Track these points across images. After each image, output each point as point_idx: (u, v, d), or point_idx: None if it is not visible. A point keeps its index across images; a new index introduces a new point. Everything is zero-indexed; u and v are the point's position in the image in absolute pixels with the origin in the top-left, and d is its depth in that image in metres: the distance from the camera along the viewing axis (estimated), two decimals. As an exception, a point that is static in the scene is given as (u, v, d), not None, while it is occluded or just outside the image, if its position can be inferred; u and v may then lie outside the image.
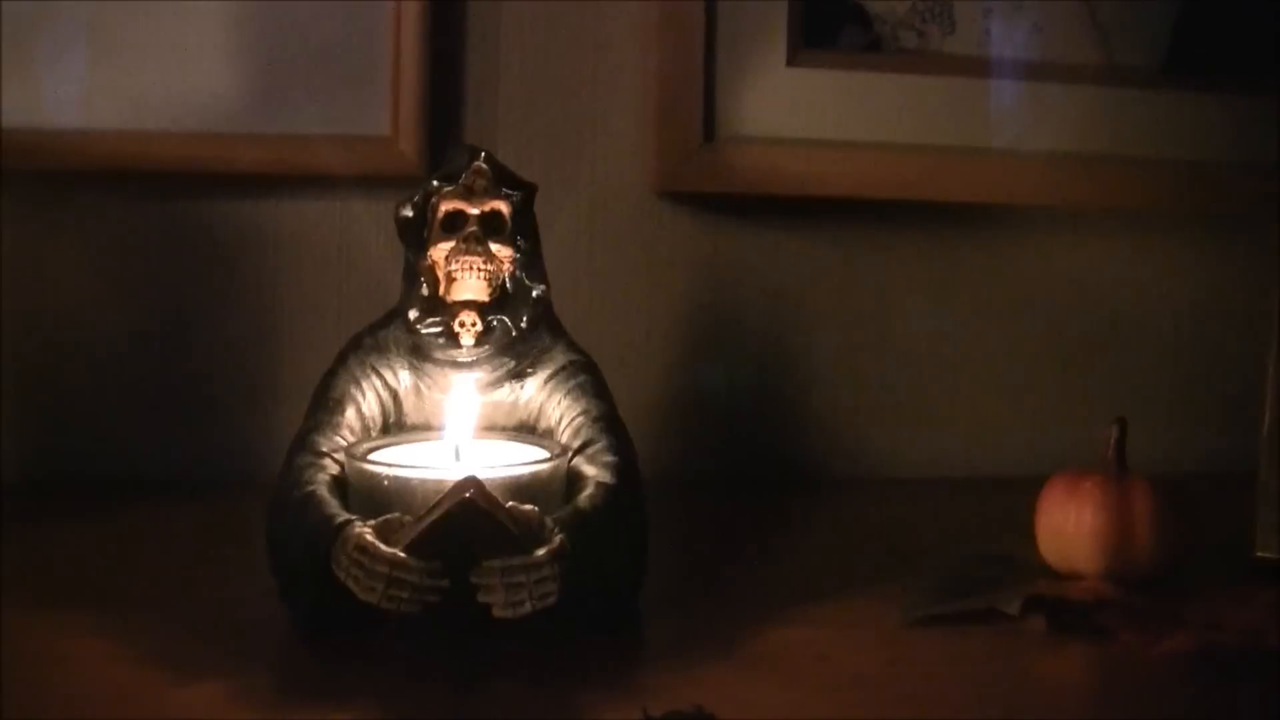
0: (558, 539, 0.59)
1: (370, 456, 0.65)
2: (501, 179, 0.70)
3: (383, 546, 0.58)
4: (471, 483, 0.58)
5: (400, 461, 0.64)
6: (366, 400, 0.69)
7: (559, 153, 1.01)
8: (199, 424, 0.99)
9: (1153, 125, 1.07)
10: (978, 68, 1.03)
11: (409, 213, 0.70)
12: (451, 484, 0.58)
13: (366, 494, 0.63)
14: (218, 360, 0.99)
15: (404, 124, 0.97)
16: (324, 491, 0.64)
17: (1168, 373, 1.11)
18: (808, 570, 0.79)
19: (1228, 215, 1.10)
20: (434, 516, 0.57)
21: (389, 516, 0.60)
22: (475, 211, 0.69)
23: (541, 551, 0.58)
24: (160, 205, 0.98)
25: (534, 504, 0.61)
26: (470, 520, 0.57)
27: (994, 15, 1.04)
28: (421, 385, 0.70)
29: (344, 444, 0.67)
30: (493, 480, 0.60)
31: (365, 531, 0.59)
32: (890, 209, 1.03)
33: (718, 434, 1.04)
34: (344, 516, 0.61)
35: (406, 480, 0.62)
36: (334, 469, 0.66)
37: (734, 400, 1.04)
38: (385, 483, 0.62)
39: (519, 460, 0.64)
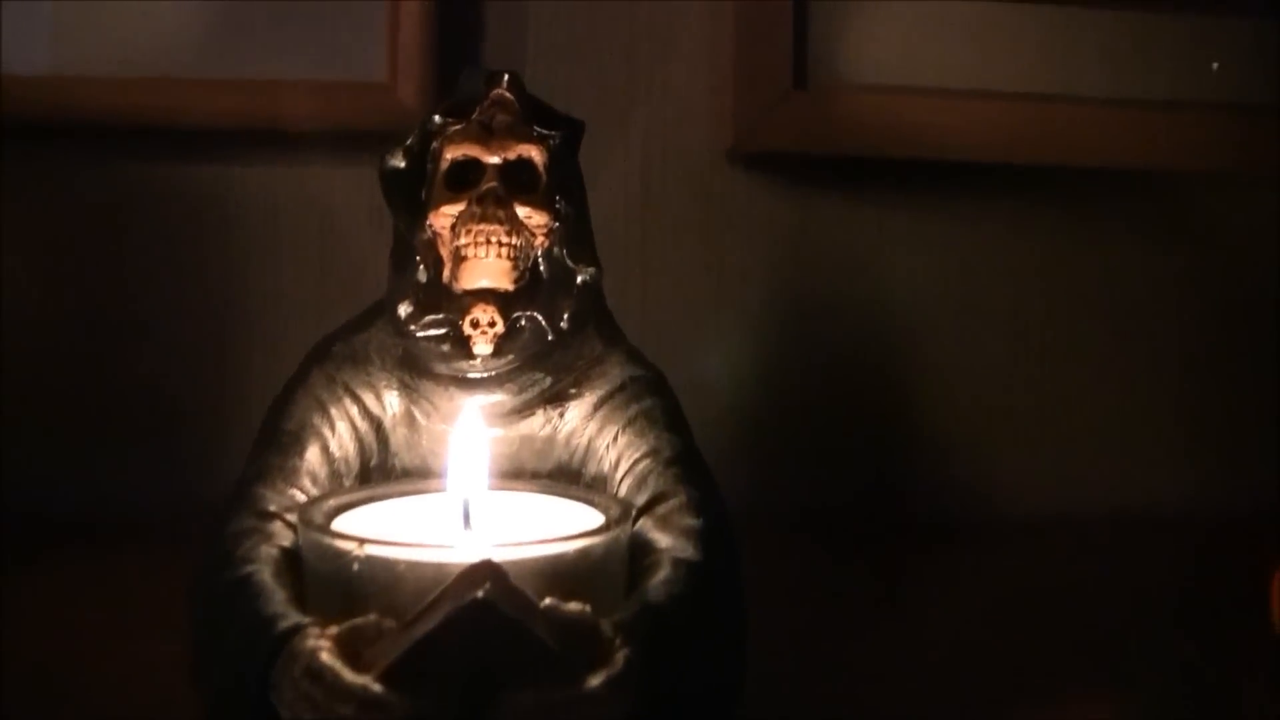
0: (621, 656, 0.41)
1: (336, 522, 0.47)
2: (534, 113, 0.53)
3: (346, 673, 0.40)
4: (487, 571, 0.40)
5: (380, 532, 0.46)
6: (337, 434, 0.52)
7: (605, 103, 0.88)
8: (141, 448, 0.86)
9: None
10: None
11: (399, 162, 0.53)
12: (457, 571, 0.41)
13: (328, 581, 0.44)
14: (167, 367, 0.86)
15: (404, 67, 0.84)
16: (266, 576, 0.46)
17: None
18: (963, 660, 0.62)
19: None
20: (430, 625, 0.40)
21: (360, 621, 0.42)
22: (495, 160, 0.52)
23: (597, 679, 0.41)
24: (95, 167, 0.85)
25: (583, 599, 0.42)
26: (486, 630, 0.40)
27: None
28: (417, 412, 0.52)
29: (302, 500, 0.50)
30: (522, 563, 0.43)
31: (322, 646, 0.41)
32: (1035, 177, 0.90)
33: (807, 463, 0.91)
34: (292, 620, 0.43)
35: (388, 563, 0.43)
36: (286, 538, 0.48)
37: (828, 419, 0.91)
38: (354, 566, 0.43)
39: (560, 530, 0.46)
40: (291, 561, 0.47)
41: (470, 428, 0.49)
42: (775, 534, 0.80)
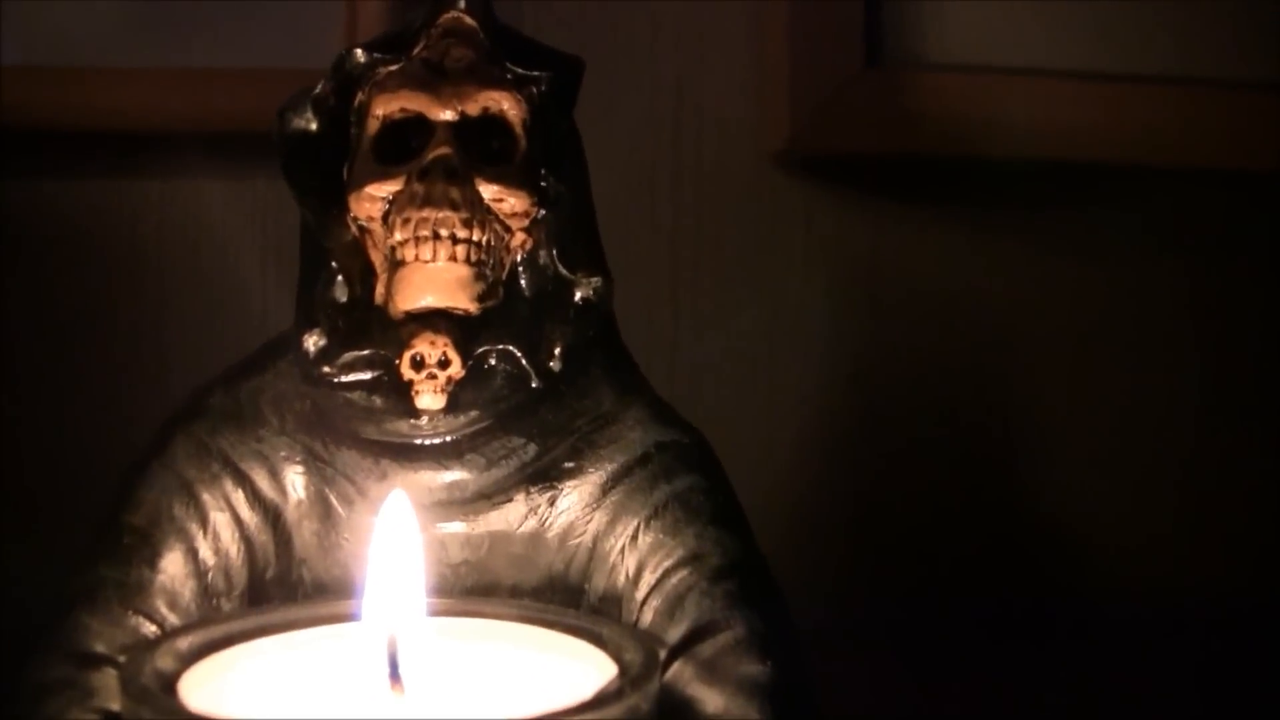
0: None
1: (188, 677, 0.32)
2: (507, 47, 0.40)
3: None
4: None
5: (260, 694, 0.33)
6: (210, 532, 0.38)
7: (616, 90, 0.77)
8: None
9: None
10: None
11: (308, 123, 0.40)
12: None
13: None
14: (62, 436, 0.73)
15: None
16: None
17: None
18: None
19: None
20: None
21: None
22: (448, 115, 0.39)
23: None
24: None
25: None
26: None
27: None
28: (334, 498, 0.39)
29: (147, 635, 0.36)
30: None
31: None
32: (1188, 181, 0.78)
33: (890, 558, 0.79)
34: None
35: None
36: (114, 699, 0.34)
37: (919, 501, 0.80)
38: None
39: (544, 688, 0.33)
40: (120, 736, 0.33)
41: (398, 522, 0.34)
42: (858, 658, 0.66)
